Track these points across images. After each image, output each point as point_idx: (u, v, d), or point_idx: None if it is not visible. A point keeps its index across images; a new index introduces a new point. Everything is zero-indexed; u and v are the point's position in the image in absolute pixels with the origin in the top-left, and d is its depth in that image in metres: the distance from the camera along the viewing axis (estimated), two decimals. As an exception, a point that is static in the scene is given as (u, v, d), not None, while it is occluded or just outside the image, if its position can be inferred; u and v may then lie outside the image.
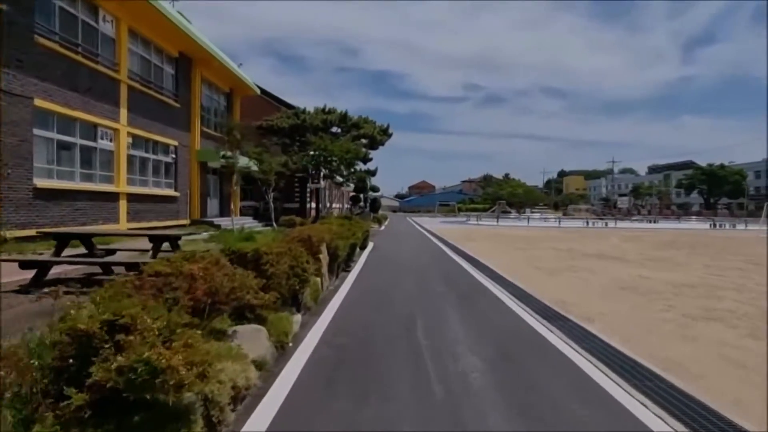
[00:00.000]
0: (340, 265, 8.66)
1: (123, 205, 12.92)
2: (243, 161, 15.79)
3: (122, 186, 12.90)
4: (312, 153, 15.87)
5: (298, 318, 4.75)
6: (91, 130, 11.92)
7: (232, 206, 11.96)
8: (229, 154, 12.04)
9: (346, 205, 46.63)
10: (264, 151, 14.45)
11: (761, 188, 75.84)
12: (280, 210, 28.93)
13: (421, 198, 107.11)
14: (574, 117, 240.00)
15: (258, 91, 22.99)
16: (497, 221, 40.79)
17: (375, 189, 43.82)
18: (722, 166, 74.27)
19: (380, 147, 27.22)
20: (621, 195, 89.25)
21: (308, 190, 25.11)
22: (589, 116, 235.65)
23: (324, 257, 7.19)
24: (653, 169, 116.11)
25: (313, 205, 29.64)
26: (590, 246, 17.49)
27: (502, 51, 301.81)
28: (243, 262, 4.40)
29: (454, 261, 11.46)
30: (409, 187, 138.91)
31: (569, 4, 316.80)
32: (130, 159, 13.53)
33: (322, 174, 17.04)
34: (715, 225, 38.65)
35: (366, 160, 28.52)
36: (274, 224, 14.49)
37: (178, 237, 6.05)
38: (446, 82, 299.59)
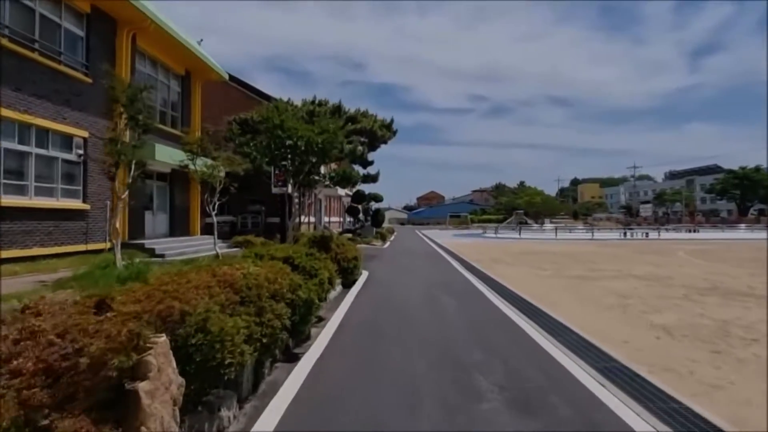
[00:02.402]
0: (262, 367, 3.66)
1: (-39, 223, 8.13)
2: (175, 155, 10.94)
3: (-39, 194, 8.13)
4: (268, 139, 10.76)
5: None
6: None
7: (117, 224, 7.07)
8: (121, 138, 7.13)
9: (348, 219, 41.52)
10: (203, 140, 9.61)
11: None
12: (263, 225, 24.05)
13: (430, 209, 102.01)
14: (579, 126, 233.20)
15: (226, 76, 18.23)
16: (519, 234, 35.54)
17: (377, 198, 38.47)
18: (757, 169, 68.08)
19: (382, 145, 22.32)
20: (643, 202, 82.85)
21: (295, 200, 20.23)
22: (594, 125, 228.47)
23: (168, 381, 2.23)
24: (674, 175, 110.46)
25: (308, 219, 24.73)
26: (673, 269, 12.38)
27: (505, 63, 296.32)
28: None
29: (501, 314, 6.38)
30: (418, 198, 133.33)
31: (570, 18, 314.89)
32: (-16, 152, 8.75)
33: (285, 171, 11.90)
34: (777, 234, 32.92)
35: (365, 162, 23.61)
36: (216, 247, 9.60)
37: None
38: (451, 94, 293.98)
